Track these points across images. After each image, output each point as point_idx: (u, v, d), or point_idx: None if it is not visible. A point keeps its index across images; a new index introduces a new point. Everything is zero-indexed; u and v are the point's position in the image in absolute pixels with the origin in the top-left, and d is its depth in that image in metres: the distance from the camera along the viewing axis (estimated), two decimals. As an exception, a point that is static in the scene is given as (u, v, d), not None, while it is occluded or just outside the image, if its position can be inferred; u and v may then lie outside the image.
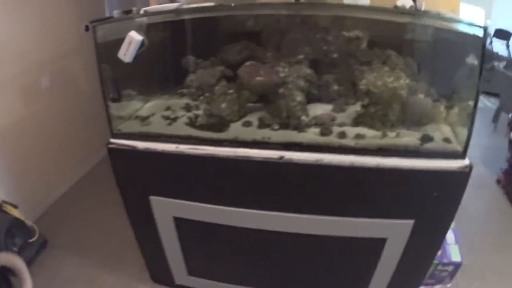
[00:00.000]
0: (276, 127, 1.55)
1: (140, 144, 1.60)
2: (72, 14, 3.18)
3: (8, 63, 2.61)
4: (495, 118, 4.26)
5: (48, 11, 2.93)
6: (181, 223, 1.73)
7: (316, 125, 1.58)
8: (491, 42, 4.88)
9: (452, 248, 2.23)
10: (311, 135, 1.54)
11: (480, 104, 1.47)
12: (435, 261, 2.10)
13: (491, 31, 4.74)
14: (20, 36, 2.68)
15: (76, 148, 3.39)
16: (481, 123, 4.43)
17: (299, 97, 1.56)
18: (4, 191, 2.63)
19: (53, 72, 3.01)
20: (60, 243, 2.66)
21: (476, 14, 4.82)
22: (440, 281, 2.25)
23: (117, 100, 1.70)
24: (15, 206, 2.55)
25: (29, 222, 2.60)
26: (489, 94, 4.96)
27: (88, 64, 3.20)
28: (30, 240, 2.56)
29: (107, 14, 3.23)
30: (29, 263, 2.48)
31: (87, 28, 3.11)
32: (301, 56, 1.66)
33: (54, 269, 2.47)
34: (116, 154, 1.66)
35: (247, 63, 1.63)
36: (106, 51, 1.65)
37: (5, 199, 2.55)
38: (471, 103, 1.49)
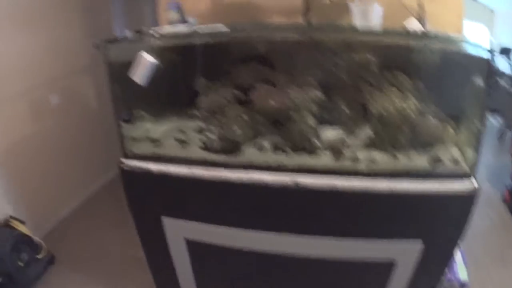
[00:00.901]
0: (289, 151, 1.56)
1: (153, 166, 1.61)
2: (81, 31, 3.22)
3: (16, 78, 2.64)
4: (500, 136, 4.27)
5: (58, 28, 2.96)
6: (193, 245, 1.73)
7: (328, 149, 1.59)
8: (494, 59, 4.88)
9: (459, 266, 2.23)
10: (324, 159, 1.56)
11: None
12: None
13: (495, 48, 4.76)
14: (29, 51, 2.71)
15: (85, 167, 3.39)
16: (486, 140, 4.40)
17: (311, 120, 1.57)
18: (12, 207, 2.64)
19: (62, 89, 3.04)
20: (67, 260, 2.66)
21: (479, 31, 4.86)
22: (447, 299, 2.25)
23: (129, 121, 1.72)
24: (22, 222, 2.56)
25: (36, 238, 2.61)
26: (493, 111, 4.97)
27: (98, 82, 3.22)
28: (38, 256, 2.57)
29: (116, 33, 3.27)
30: (36, 278, 2.49)
31: (96, 46, 3.12)
32: (312, 79, 1.68)
33: (60, 286, 2.47)
34: (129, 175, 1.66)
35: (259, 86, 1.65)
36: (118, 71, 1.66)
37: (13, 214, 2.57)
38: (478, 123, 1.51)
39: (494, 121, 4.89)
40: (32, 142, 2.79)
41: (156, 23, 2.26)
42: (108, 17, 3.42)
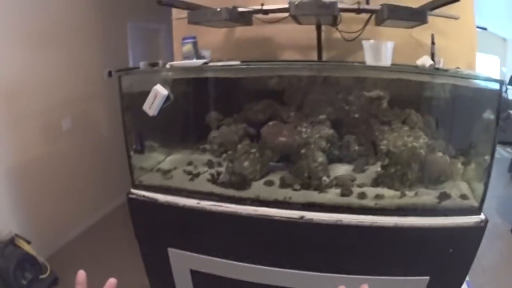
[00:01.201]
0: (298, 187, 1.56)
1: (161, 197, 1.61)
2: (96, 58, 3.26)
3: (29, 99, 2.67)
4: (511, 168, 4.22)
5: (72, 53, 3.00)
6: (198, 276, 1.72)
7: (336, 185, 1.58)
8: (506, 90, 4.86)
9: (466, 301, 2.19)
10: (332, 195, 1.55)
11: (496, 155, 1.47)
12: (450, 316, 2.06)
13: (506, 78, 4.74)
14: (44, 74, 2.75)
15: (94, 192, 3.41)
16: (497, 173, 4.38)
17: (321, 157, 1.58)
18: (18, 226, 2.65)
19: (75, 114, 3.07)
20: (70, 283, 2.62)
21: (491, 62, 4.86)
22: (455, 335, 2.19)
23: (139, 151, 1.73)
24: (28, 242, 2.57)
25: (41, 259, 2.61)
26: (505, 144, 4.91)
27: (110, 110, 3.26)
28: (41, 276, 2.56)
29: (130, 64, 3.31)
30: (38, 298, 2.49)
31: (110, 74, 3.17)
32: (323, 116, 1.69)
33: (63, 308, 2.46)
34: (136, 204, 1.67)
35: (270, 123, 1.66)
36: (131, 101, 1.68)
37: (19, 232, 2.57)
38: (487, 157, 1.49)
39: (506, 154, 4.84)
40: (44, 163, 2.81)
41: (172, 55, 2.29)
42: (125, 46, 3.46)
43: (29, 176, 2.72)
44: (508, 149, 4.85)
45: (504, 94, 4.78)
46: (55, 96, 2.87)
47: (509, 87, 4.81)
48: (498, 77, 1.49)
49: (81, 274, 0.64)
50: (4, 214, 2.58)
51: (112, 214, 3.60)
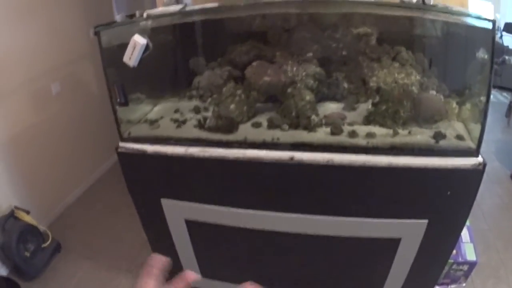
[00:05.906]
0: (286, 127, 1.53)
1: (149, 148, 1.59)
2: (80, 18, 3.19)
3: (16, 69, 2.62)
4: (508, 113, 4.17)
5: (56, 17, 2.94)
6: (193, 226, 1.72)
7: (326, 124, 1.55)
8: (501, 36, 4.78)
9: (467, 246, 2.19)
10: (322, 134, 1.52)
11: (493, 99, 1.43)
12: (450, 261, 2.07)
13: (501, 25, 4.64)
14: (28, 42, 2.69)
15: (88, 153, 3.40)
16: (495, 118, 4.35)
17: (308, 96, 1.54)
18: (17, 197, 2.65)
19: (63, 78, 3.02)
20: (73, 247, 2.67)
21: (485, 8, 4.71)
22: (455, 280, 2.21)
23: (124, 104, 1.70)
24: (27, 212, 2.57)
25: (42, 227, 2.62)
26: (501, 88, 4.85)
27: (99, 69, 3.19)
28: (43, 245, 2.58)
29: (115, 18, 3.25)
30: (43, 267, 2.51)
31: (96, 33, 3.12)
32: (309, 54, 1.64)
33: (68, 273, 2.49)
34: (126, 158, 1.65)
35: (254, 63, 1.62)
36: (112, 55, 1.64)
37: (18, 204, 2.58)
38: (483, 98, 1.45)
39: (503, 99, 4.78)
40: (35, 132, 2.79)
41: (155, 6, 2.22)
42: (109, 2, 3.39)
43: (22, 147, 2.70)
44: (505, 94, 4.78)
45: (499, 40, 4.71)
46: (43, 63, 2.81)
47: (504, 33, 4.72)
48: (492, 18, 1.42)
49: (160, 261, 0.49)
50: (3, 189, 2.57)
51: (108, 172, 3.60)
